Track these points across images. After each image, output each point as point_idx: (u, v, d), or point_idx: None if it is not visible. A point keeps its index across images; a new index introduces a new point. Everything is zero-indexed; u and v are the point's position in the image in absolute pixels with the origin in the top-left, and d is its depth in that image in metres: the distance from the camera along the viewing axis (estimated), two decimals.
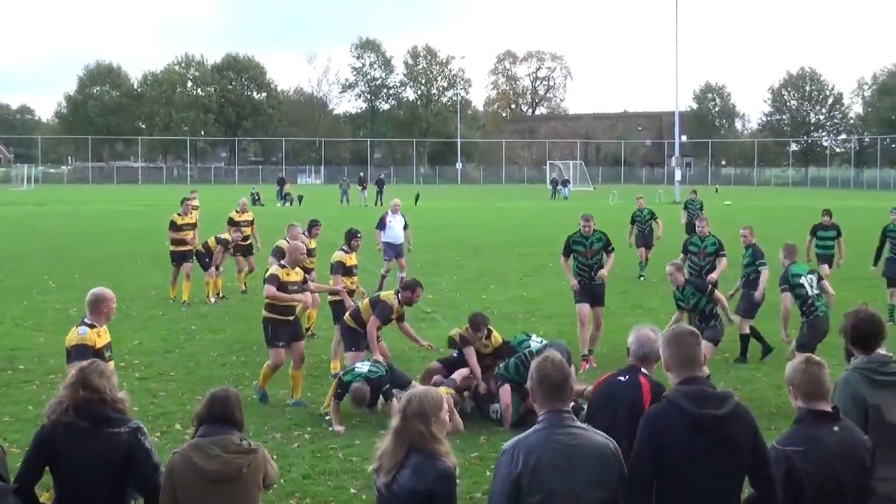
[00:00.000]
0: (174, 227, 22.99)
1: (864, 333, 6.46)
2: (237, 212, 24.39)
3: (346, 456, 10.62)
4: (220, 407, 5.82)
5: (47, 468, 5.88)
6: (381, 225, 23.92)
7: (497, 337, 13.16)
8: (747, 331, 15.88)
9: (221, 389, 6.11)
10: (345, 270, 15.93)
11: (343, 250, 16.16)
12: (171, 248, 22.82)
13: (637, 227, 27.74)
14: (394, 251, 23.55)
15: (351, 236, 16.43)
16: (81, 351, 8.47)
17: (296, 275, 13.24)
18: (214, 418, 5.77)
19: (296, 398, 12.82)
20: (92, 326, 8.81)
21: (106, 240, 37.24)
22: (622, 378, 6.48)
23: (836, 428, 5.45)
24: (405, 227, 23.90)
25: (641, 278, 25.86)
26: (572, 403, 5.60)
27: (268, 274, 13.31)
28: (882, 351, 6.46)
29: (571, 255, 15.86)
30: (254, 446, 5.93)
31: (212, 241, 22.56)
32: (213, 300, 21.99)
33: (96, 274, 26.14)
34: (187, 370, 14.92)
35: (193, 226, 23.68)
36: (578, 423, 5.22)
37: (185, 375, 14.55)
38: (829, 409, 5.52)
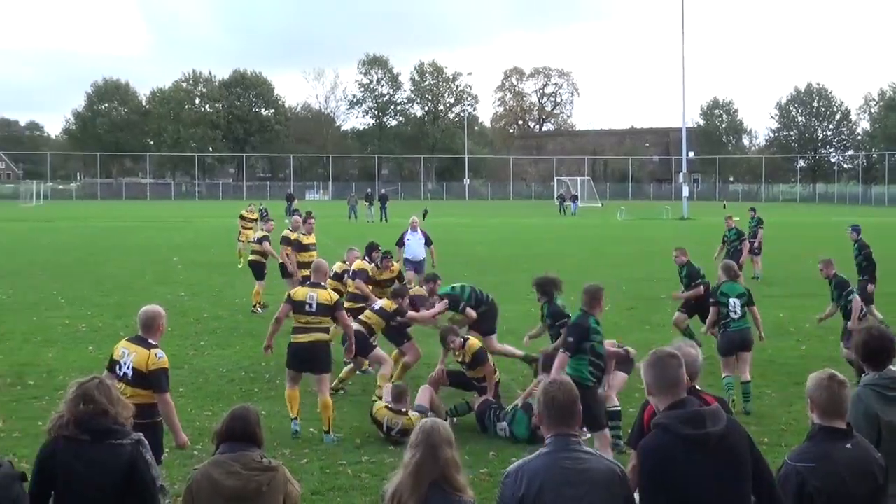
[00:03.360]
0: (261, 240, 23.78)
1: (875, 350, 6.45)
2: (290, 230, 23.58)
3: (355, 472, 10.61)
4: (240, 424, 5.79)
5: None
6: (401, 242, 23.98)
7: (473, 344, 13.17)
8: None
9: (241, 407, 6.08)
10: (375, 284, 17.04)
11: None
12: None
13: (726, 247, 27.36)
14: (413, 267, 23.55)
15: (371, 249, 18.02)
16: (168, 373, 8.75)
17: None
18: (234, 436, 5.74)
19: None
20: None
21: (114, 255, 37.30)
22: None
23: (848, 445, 5.43)
24: (429, 244, 24.05)
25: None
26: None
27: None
28: (894, 367, 6.45)
29: None
30: (274, 464, 5.87)
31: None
32: (260, 310, 22.44)
33: (105, 290, 26.22)
34: (196, 386, 14.92)
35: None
36: (586, 448, 5.16)
37: (193, 391, 14.55)
38: (843, 426, 5.50)
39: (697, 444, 5.03)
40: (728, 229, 27.91)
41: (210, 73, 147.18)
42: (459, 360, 13.14)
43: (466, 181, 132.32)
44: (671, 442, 5.07)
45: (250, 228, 34.02)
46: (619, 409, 11.73)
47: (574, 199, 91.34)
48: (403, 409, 12.01)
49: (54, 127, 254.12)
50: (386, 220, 68.13)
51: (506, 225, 63.59)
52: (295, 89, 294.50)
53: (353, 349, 13.09)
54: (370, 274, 17.17)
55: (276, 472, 5.79)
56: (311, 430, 12.32)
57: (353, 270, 17.09)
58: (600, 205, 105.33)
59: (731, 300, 13.97)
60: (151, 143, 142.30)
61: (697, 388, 6.33)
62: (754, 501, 5.26)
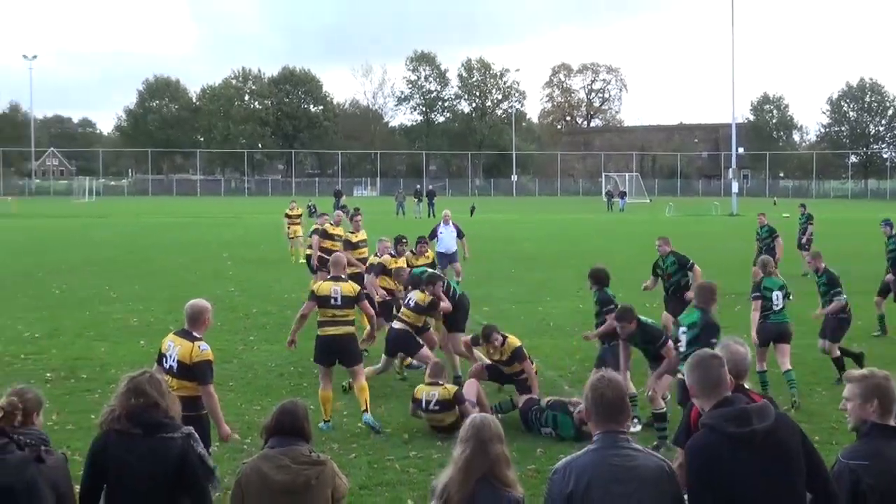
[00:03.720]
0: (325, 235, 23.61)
1: None
2: (332, 224, 23.96)
3: (403, 467, 10.66)
4: (289, 419, 5.85)
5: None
6: (434, 235, 24.52)
7: (512, 342, 13.10)
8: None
9: (289, 402, 6.14)
10: (384, 271, 17.42)
11: (391, 255, 17.85)
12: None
13: (758, 245, 26.97)
14: (447, 260, 24.35)
15: (417, 241, 18.88)
16: (212, 365, 8.95)
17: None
18: (283, 430, 5.79)
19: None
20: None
21: (165, 251, 37.68)
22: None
23: None
24: (460, 236, 24.85)
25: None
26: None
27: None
28: None
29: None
30: (322, 458, 5.94)
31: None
32: None
33: (156, 285, 26.50)
34: (245, 380, 15.04)
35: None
36: (634, 444, 5.12)
37: (243, 386, 14.68)
38: (894, 423, 5.45)
39: (743, 441, 4.99)
40: (760, 226, 27.49)
41: (259, 71, 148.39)
42: (496, 357, 13.14)
43: (514, 177, 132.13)
44: (717, 440, 5.04)
45: (297, 224, 34.23)
46: (664, 410, 11.68)
47: (622, 195, 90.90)
48: (440, 382, 12.23)
49: (106, 124, 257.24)
50: (433, 215, 68.06)
51: (553, 221, 63.44)
52: (343, 86, 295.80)
53: (374, 336, 13.44)
54: (387, 267, 17.48)
55: (324, 466, 5.84)
56: (359, 425, 12.37)
57: (368, 264, 17.53)
58: (648, 201, 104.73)
59: (775, 293, 14.05)
60: (201, 139, 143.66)
61: (746, 386, 6.26)
62: (810, 498, 5.23)
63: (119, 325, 20.24)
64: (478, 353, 14.12)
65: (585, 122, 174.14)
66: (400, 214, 70.28)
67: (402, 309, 14.44)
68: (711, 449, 5.05)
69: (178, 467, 5.68)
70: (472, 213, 70.15)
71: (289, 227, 34.40)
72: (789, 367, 13.62)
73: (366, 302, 13.10)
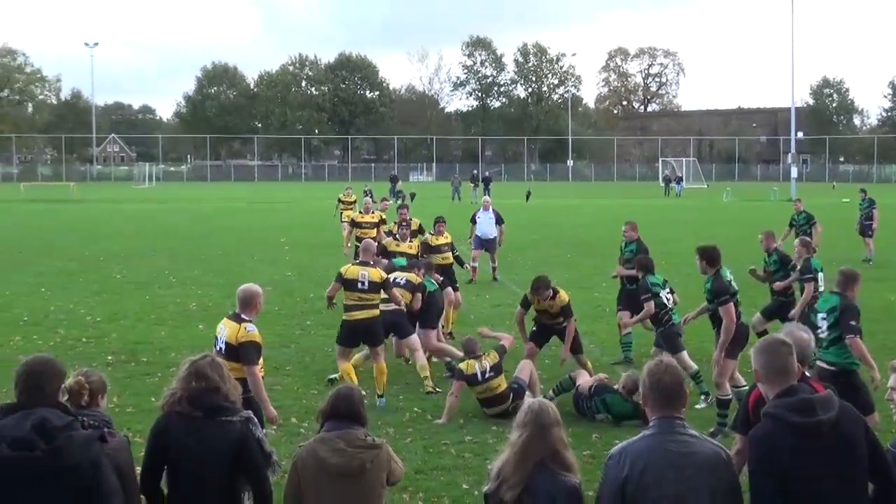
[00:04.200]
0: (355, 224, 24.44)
1: None
2: (360, 213, 24.72)
3: (459, 452, 10.71)
4: (345, 403, 5.91)
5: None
6: (474, 220, 25.88)
7: (563, 297, 13.40)
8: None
9: (345, 387, 6.24)
10: (431, 249, 19.15)
11: (431, 234, 19.85)
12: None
13: (794, 231, 25.44)
14: (483, 245, 25.41)
15: (436, 222, 20.07)
16: (258, 347, 9.04)
17: None
18: (339, 415, 5.85)
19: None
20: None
21: (223, 236, 38.06)
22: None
23: None
24: (499, 223, 25.50)
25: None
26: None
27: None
28: None
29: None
30: (378, 442, 5.98)
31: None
32: None
33: (215, 269, 26.79)
34: (302, 365, 15.18)
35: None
36: (691, 431, 5.10)
37: (300, 370, 14.81)
38: None
39: (808, 432, 4.96)
40: (797, 213, 26.15)
41: (316, 57, 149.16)
42: (545, 309, 13.43)
43: (570, 163, 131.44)
44: (780, 430, 5.01)
45: (351, 209, 34.29)
46: (729, 398, 11.58)
47: (679, 180, 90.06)
48: (480, 353, 12.38)
49: (166, 111, 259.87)
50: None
51: (609, 207, 63.03)
52: (399, 71, 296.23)
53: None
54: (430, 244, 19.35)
55: (380, 449, 5.89)
56: (416, 409, 12.48)
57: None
58: (705, 186, 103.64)
59: (821, 274, 14.30)
60: (259, 125, 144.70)
61: (807, 374, 6.22)
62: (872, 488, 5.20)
63: (178, 309, 20.51)
64: (449, 348, 14.64)
65: (642, 107, 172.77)
66: (456, 199, 70.26)
67: (392, 290, 13.75)
68: (774, 439, 5.02)
69: (236, 451, 5.74)
70: (527, 198, 69.96)
71: (342, 213, 34.52)
72: None
73: (394, 290, 13.37)
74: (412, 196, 71.03)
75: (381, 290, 12.98)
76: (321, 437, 5.81)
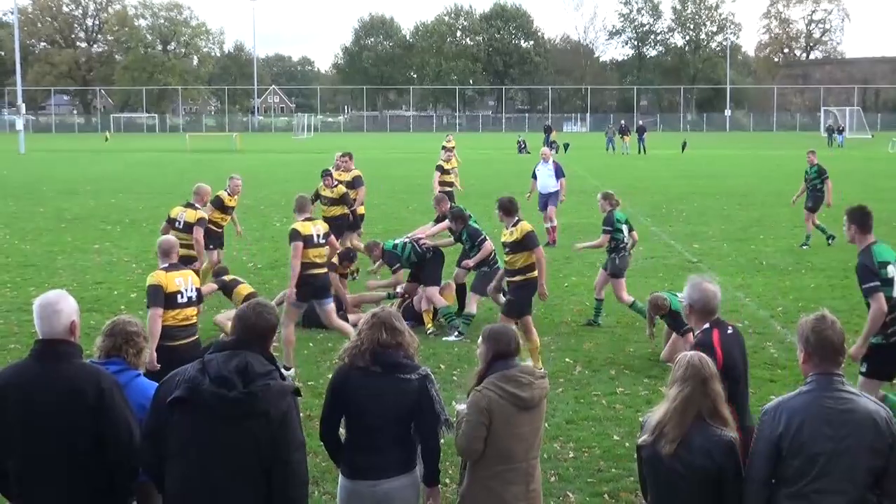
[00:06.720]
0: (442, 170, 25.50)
1: None
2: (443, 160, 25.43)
3: (610, 403, 10.80)
4: (505, 339, 6.05)
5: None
6: (535, 175, 24.44)
7: (524, 227, 12.29)
8: None
9: (498, 325, 6.45)
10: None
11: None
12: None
13: (805, 186, 23.16)
14: (542, 200, 23.80)
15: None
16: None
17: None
18: (503, 354, 6.00)
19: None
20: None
21: (380, 186, 38.60)
22: (729, 329, 6.50)
23: None
24: (559, 176, 23.82)
25: (805, 247, 22.11)
26: None
27: None
28: None
29: None
30: (544, 371, 6.33)
31: None
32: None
33: (372, 218, 27.26)
34: None
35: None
36: (850, 388, 5.05)
37: None
38: None
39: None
40: (809, 166, 23.28)
41: (471, 7, 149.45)
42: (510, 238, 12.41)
43: (728, 112, 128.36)
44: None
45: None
46: None
47: (840, 130, 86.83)
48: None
49: (324, 62, 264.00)
50: (644, 151, 67.20)
51: (768, 158, 61.45)
52: (554, 21, 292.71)
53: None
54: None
55: (546, 378, 6.14)
56: (567, 359, 12.58)
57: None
58: (870, 136, 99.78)
59: (624, 226, 14.72)
60: (414, 76, 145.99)
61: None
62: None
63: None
64: (439, 297, 14.78)
65: (804, 55, 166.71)
66: (610, 150, 69.61)
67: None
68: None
69: (410, 409, 5.84)
70: (683, 148, 68.86)
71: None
72: None
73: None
74: (566, 147, 70.70)
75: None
76: (503, 374, 5.88)
